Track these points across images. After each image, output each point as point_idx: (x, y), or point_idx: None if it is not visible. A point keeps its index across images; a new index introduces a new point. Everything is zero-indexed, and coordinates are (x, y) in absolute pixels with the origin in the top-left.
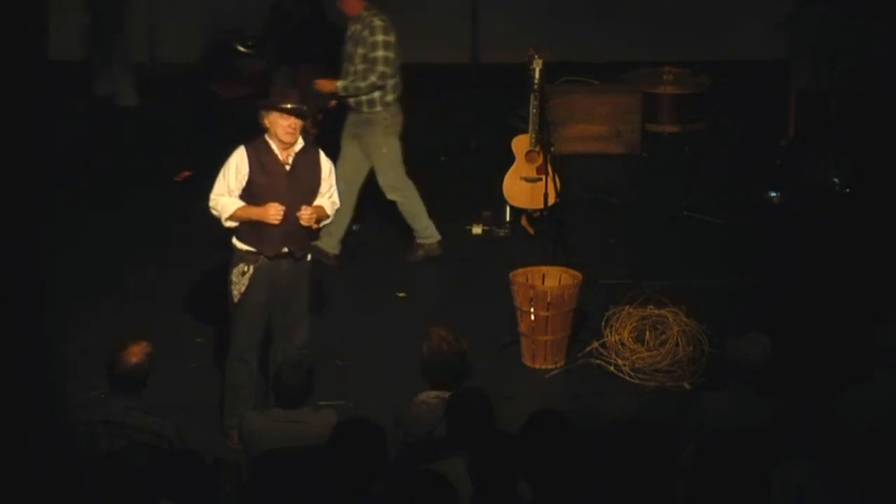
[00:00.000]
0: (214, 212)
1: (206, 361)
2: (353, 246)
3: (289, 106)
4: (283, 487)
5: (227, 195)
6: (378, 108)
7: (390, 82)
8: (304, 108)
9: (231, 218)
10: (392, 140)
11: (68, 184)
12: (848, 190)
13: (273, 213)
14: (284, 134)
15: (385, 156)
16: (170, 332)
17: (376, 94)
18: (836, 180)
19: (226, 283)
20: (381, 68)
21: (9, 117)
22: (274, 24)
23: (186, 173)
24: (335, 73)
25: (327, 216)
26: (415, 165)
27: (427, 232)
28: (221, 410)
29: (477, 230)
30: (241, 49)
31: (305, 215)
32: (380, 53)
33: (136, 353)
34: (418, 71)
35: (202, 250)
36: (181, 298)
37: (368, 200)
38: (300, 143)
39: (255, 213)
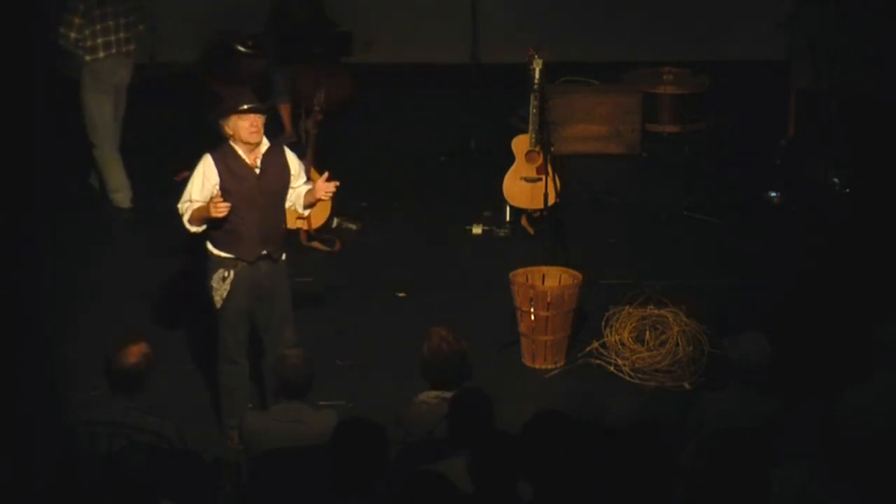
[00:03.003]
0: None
1: (205, 362)
2: (353, 246)
3: (246, 106)
4: (283, 487)
5: (188, 202)
6: (83, 66)
7: (98, 41)
8: (260, 104)
9: (190, 221)
10: (88, 98)
11: (68, 184)
12: (848, 190)
13: (212, 205)
14: (249, 134)
15: (85, 111)
16: (169, 332)
17: (79, 52)
18: (836, 180)
19: (206, 290)
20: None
21: (9, 117)
22: (274, 24)
23: (186, 173)
24: (335, 74)
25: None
26: (415, 165)
27: (113, 191)
28: (219, 412)
29: (477, 230)
30: (241, 49)
31: (328, 189)
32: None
33: (134, 353)
34: (418, 71)
35: (202, 250)
36: (180, 298)
37: (368, 201)
38: (265, 144)
39: (204, 208)
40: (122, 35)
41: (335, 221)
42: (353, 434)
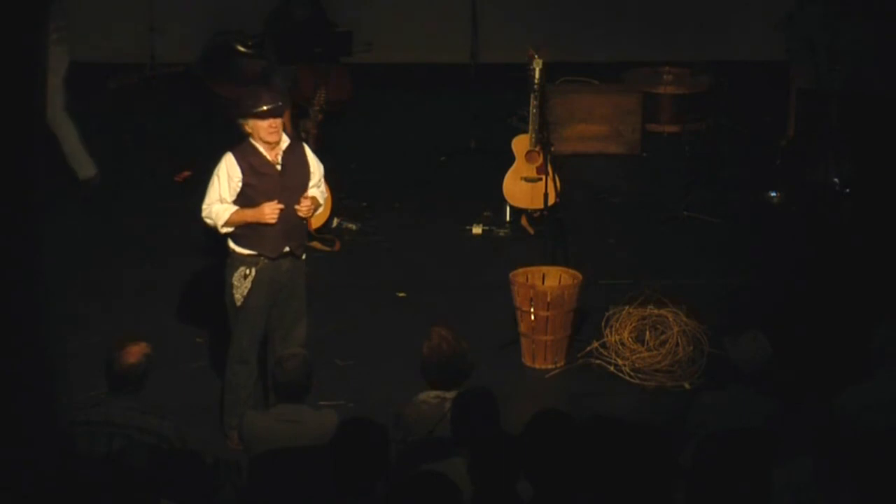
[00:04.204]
0: (209, 220)
1: (206, 361)
2: (353, 246)
3: (265, 108)
4: (283, 487)
5: (219, 203)
6: None
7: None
8: (279, 104)
9: (227, 224)
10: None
11: (68, 184)
12: (848, 190)
13: (268, 212)
14: (268, 135)
15: None
16: (170, 332)
17: None
18: (836, 180)
19: (226, 287)
20: None
21: (9, 118)
22: (274, 24)
23: (186, 173)
24: (335, 74)
25: (320, 205)
26: (415, 165)
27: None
28: (221, 410)
29: (477, 230)
30: (241, 49)
31: (305, 207)
32: None
33: (134, 353)
34: (418, 71)
35: (202, 250)
36: (180, 298)
37: (368, 201)
38: (286, 141)
39: (251, 215)
40: (62, 23)
41: (335, 221)
42: (353, 434)
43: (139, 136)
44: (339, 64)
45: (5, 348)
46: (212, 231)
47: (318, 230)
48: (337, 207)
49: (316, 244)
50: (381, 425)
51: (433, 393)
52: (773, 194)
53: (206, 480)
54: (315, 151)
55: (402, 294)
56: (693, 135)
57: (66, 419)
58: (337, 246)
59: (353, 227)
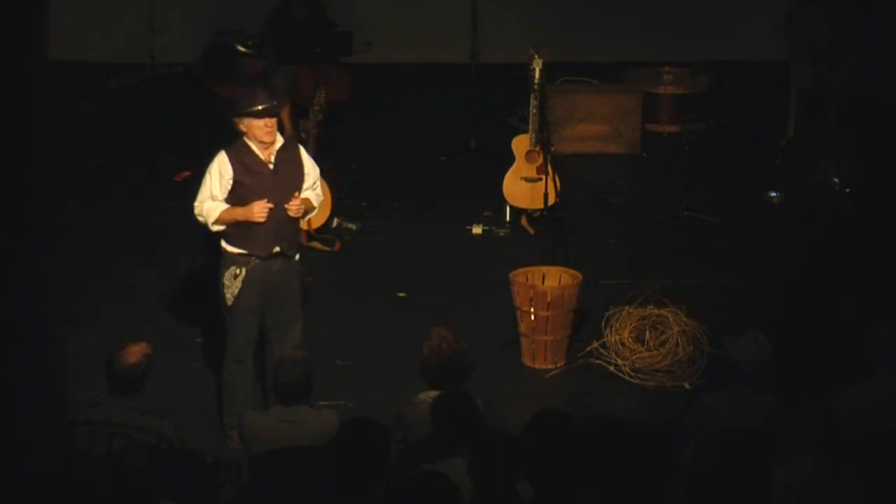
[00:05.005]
0: (200, 218)
1: (206, 361)
2: (353, 246)
3: (260, 108)
4: (283, 487)
5: (210, 200)
6: None
7: None
8: (275, 104)
9: (217, 222)
10: None
11: (68, 184)
12: (848, 190)
13: (257, 210)
14: (263, 134)
15: None
16: (170, 332)
17: None
18: (836, 180)
19: (218, 287)
20: None
21: (9, 117)
22: (274, 24)
23: (186, 173)
24: (335, 74)
25: (313, 208)
26: (415, 165)
27: None
28: (221, 411)
29: (477, 230)
30: (241, 49)
31: (294, 207)
32: None
33: (135, 353)
34: (418, 71)
35: (202, 250)
36: (180, 298)
37: (368, 201)
38: (280, 141)
39: (240, 213)
40: None
41: (335, 221)
42: (353, 434)
43: (139, 136)
44: (339, 64)
45: (5, 348)
46: (207, 229)
47: (318, 230)
48: (337, 207)
49: (316, 244)
50: (381, 425)
51: (433, 393)
52: (773, 194)
53: (206, 480)
54: (315, 151)
55: (402, 294)
56: (693, 135)
57: (66, 419)
58: (337, 246)
59: (353, 227)
